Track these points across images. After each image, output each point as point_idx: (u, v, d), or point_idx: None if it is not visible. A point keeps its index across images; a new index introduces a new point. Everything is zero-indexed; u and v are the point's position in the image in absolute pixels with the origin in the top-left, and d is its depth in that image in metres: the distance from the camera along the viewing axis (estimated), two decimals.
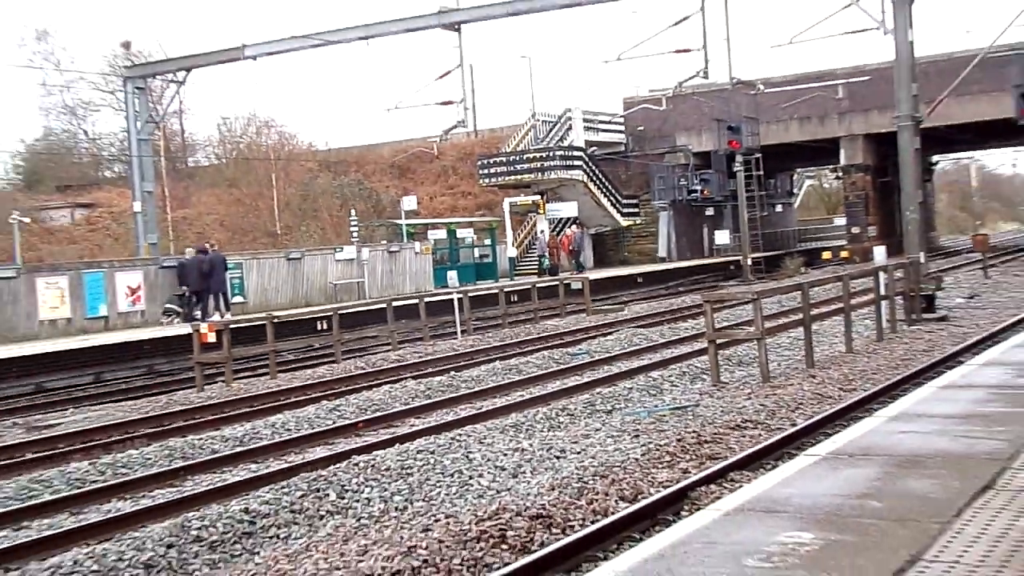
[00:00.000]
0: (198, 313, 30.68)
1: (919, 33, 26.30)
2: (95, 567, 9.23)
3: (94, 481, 13.12)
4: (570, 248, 48.26)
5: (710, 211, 56.73)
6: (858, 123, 53.74)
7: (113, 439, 16.01)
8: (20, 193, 53.18)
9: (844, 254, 52.17)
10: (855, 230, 54.40)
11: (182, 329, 27.29)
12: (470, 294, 31.15)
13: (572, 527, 9.39)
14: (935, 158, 70.36)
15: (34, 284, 28.88)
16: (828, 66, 54.88)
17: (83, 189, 56.47)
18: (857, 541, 6.05)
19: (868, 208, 54.31)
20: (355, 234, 40.65)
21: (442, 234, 46.79)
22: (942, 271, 35.38)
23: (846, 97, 52.78)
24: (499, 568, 8.26)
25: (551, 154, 50.78)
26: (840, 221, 62.46)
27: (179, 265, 31.91)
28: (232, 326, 23.74)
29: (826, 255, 55.10)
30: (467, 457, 12.73)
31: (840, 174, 57.93)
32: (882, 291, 22.01)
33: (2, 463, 14.66)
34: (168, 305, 31.28)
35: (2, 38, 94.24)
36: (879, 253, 28.24)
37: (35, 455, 15.18)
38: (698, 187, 53.84)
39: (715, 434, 12.91)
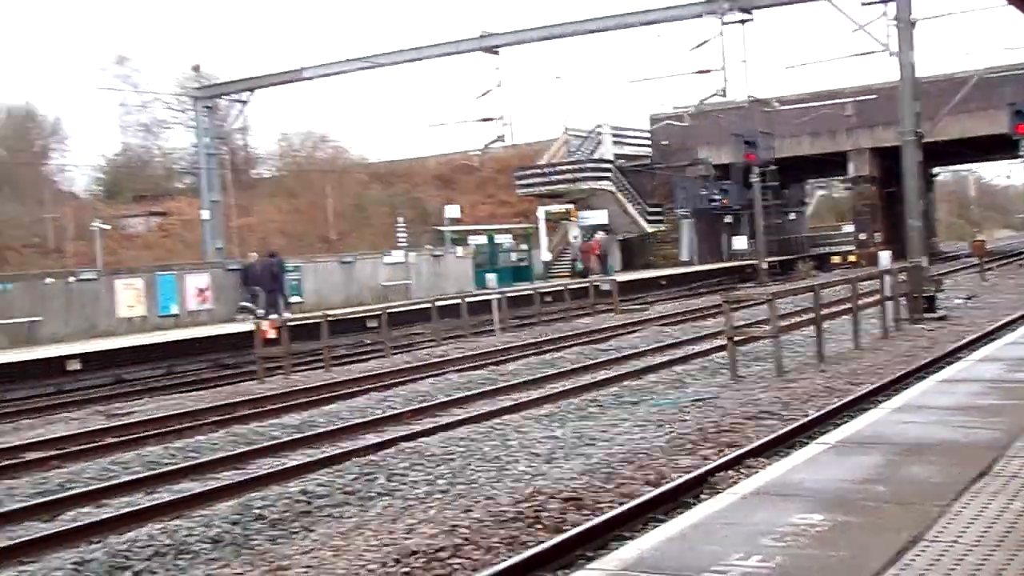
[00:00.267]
0: (261, 311, 30.85)
1: (921, 55, 26.18)
2: (168, 541, 9.32)
3: (167, 464, 13.23)
4: (598, 253, 48.12)
5: (729, 219, 56.44)
6: (865, 138, 53.36)
7: (184, 426, 16.14)
8: (101, 203, 53.59)
9: (852, 258, 51.93)
10: (862, 236, 54.03)
11: (245, 326, 27.44)
12: (508, 295, 31.19)
13: (601, 509, 9.38)
14: (936, 170, 69.75)
15: (113, 285, 29.14)
16: (837, 85, 54.44)
17: (157, 199, 56.80)
18: (863, 522, 6.02)
19: (874, 216, 53.92)
20: (402, 240, 40.72)
21: (482, 240, 46.84)
22: (942, 274, 35.01)
23: (854, 114, 52.41)
24: (534, 545, 8.28)
25: (582, 166, 50.78)
26: (848, 228, 61.94)
27: (247, 267, 32.13)
28: (290, 323, 23.87)
29: (836, 259, 54.84)
30: (505, 444, 12.75)
31: (849, 185, 57.50)
32: (887, 292, 21.89)
33: (85, 447, 14.83)
34: (243, 304, 31.50)
35: (87, 63, 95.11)
36: (884, 258, 28.12)
37: (114, 440, 15.33)
38: (718, 197, 53.60)
39: (733, 424, 12.88)
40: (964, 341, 19.21)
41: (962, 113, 41.76)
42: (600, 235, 49.21)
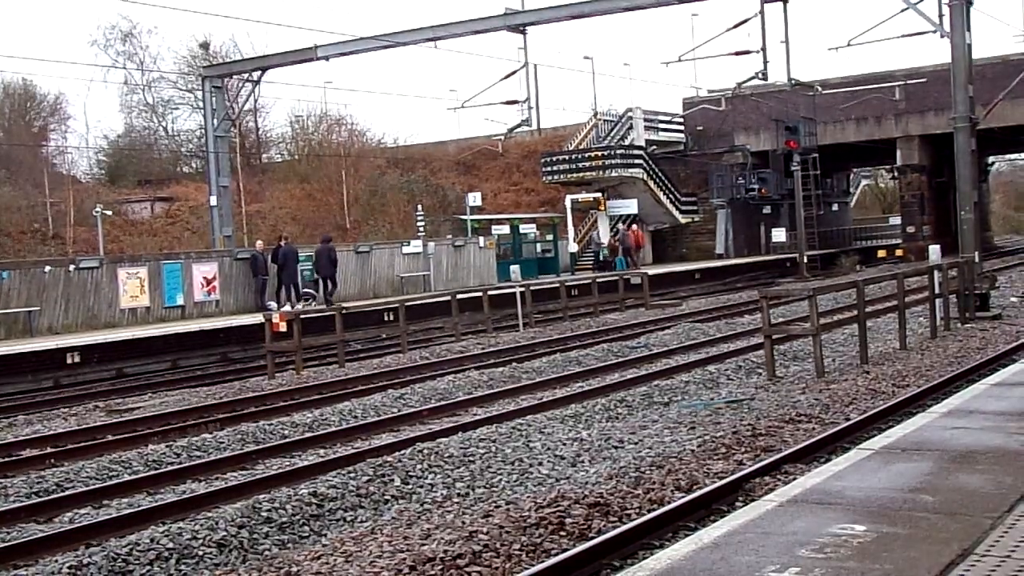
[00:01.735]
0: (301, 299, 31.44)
1: (976, 36, 25.91)
2: (170, 544, 9.36)
3: (170, 463, 13.29)
4: (615, 245, 47.64)
5: (767, 209, 56.30)
6: (914, 124, 53.09)
7: (188, 423, 16.21)
8: (103, 187, 53.94)
9: (899, 253, 51.68)
10: (910, 229, 53.73)
11: (255, 318, 27.54)
12: (532, 288, 31.14)
13: (629, 515, 9.37)
14: (991, 159, 69.38)
15: (116, 274, 29.27)
16: (885, 68, 54.23)
17: (162, 184, 57.15)
18: (909, 534, 5.98)
19: (923, 208, 53.63)
20: (422, 229, 40.79)
21: (505, 229, 46.84)
22: (996, 270, 34.85)
23: (903, 99, 52.13)
24: (558, 554, 8.27)
25: (612, 152, 50.67)
26: (895, 220, 61.68)
27: (255, 255, 32.36)
28: (302, 316, 23.93)
29: (881, 253, 54.61)
30: (527, 446, 12.76)
31: (896, 174, 57.22)
32: (936, 289, 21.75)
33: (85, 444, 14.91)
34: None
35: (90, 39, 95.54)
36: (934, 252, 27.91)
37: (115, 437, 15.41)
38: (756, 186, 53.47)
39: (770, 427, 12.84)
40: (1019, 342, 19.11)
41: (1020, 98, 41.48)
42: (620, 229, 48.99)
